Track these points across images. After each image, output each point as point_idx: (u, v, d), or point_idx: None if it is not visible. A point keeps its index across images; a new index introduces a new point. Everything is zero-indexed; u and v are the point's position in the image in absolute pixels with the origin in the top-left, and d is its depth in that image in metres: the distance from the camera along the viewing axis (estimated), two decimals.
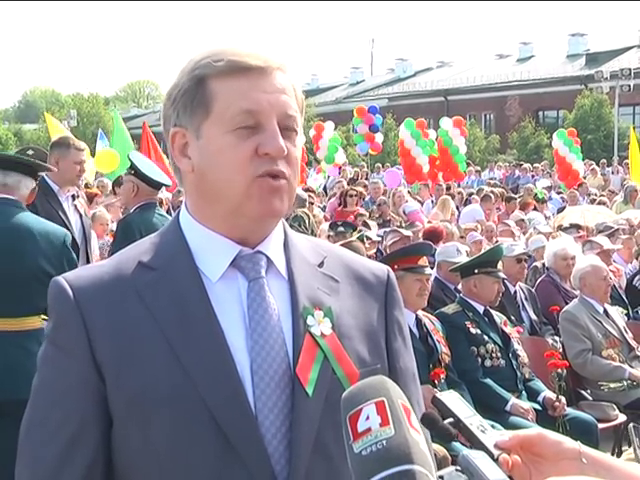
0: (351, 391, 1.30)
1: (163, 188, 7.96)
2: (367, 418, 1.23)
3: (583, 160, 26.22)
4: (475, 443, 1.42)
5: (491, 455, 1.40)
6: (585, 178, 24.20)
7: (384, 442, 1.20)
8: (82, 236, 6.85)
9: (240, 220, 1.69)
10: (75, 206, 6.87)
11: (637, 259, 9.56)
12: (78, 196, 6.99)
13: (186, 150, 1.71)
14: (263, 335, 1.66)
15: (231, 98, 1.65)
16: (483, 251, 7.66)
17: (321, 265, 1.81)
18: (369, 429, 1.22)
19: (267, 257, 1.74)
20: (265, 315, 1.68)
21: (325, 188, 22.65)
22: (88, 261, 6.85)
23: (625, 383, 6.76)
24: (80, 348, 1.63)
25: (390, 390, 1.28)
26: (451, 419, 1.45)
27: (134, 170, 6.50)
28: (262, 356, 1.64)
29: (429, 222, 12.55)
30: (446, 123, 24.89)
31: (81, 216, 6.90)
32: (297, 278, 1.75)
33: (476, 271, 6.46)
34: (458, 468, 1.42)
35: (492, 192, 16.48)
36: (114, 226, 10.77)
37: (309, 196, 13.67)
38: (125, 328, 1.63)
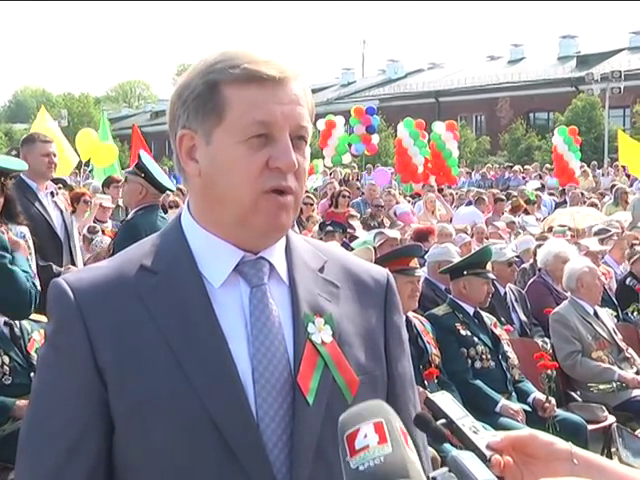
0: (349, 413, 1.31)
1: None
2: (365, 436, 1.25)
3: (581, 160, 26.40)
4: (467, 444, 1.43)
5: (483, 456, 1.40)
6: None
7: (382, 458, 1.22)
8: (64, 232, 6.85)
9: (245, 231, 1.68)
10: (55, 202, 6.87)
11: (629, 261, 9.57)
12: (57, 193, 6.99)
13: (194, 153, 1.68)
14: (265, 343, 1.65)
15: (245, 107, 1.62)
16: (472, 252, 7.66)
17: (322, 270, 1.80)
18: (367, 446, 1.23)
19: (270, 263, 1.73)
20: (267, 322, 1.67)
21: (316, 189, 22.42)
22: (72, 256, 6.86)
23: (614, 385, 6.78)
24: (81, 352, 1.61)
25: (389, 413, 1.29)
26: (443, 420, 1.45)
27: (144, 173, 6.45)
28: (264, 364, 1.64)
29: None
30: (439, 127, 24.89)
31: (62, 212, 6.90)
32: (298, 284, 1.74)
33: (465, 272, 6.46)
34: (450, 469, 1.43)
35: (489, 194, 16.52)
36: (109, 225, 10.74)
37: (307, 197, 13.59)
38: (127, 333, 1.62)
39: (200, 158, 1.67)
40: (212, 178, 1.66)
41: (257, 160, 1.62)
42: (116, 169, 17.15)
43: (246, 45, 1.69)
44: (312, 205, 13.64)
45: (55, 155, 6.89)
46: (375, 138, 25.85)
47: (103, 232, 9.95)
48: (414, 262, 6.01)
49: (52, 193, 6.87)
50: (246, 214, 1.64)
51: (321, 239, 9.47)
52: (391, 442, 1.23)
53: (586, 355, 6.94)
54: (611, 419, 6.48)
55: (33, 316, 5.24)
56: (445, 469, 1.39)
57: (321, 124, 25.31)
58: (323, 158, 26.40)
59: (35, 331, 5.24)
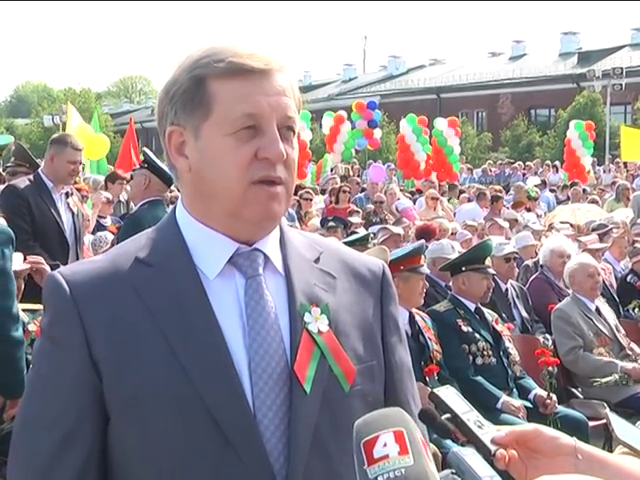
0: (366, 418, 1.27)
1: None
2: (384, 445, 1.21)
3: (593, 156, 26.47)
4: (472, 439, 1.42)
5: (488, 451, 1.40)
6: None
7: (403, 470, 1.18)
8: (73, 234, 6.81)
9: (237, 223, 1.69)
10: (68, 204, 6.83)
11: (630, 258, 9.56)
12: (72, 194, 6.95)
13: (183, 149, 1.70)
14: (261, 333, 1.66)
15: (232, 101, 1.64)
16: (470, 248, 7.66)
17: (317, 261, 1.80)
18: (386, 456, 1.20)
19: (264, 254, 1.73)
20: (263, 313, 1.67)
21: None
22: (78, 259, 6.81)
23: (616, 376, 6.74)
24: (77, 344, 1.62)
25: (409, 422, 1.26)
26: (448, 415, 1.45)
27: (148, 164, 6.48)
28: (260, 354, 1.64)
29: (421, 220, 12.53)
30: (441, 123, 24.84)
31: (74, 214, 6.86)
32: (294, 275, 1.74)
33: (464, 268, 6.46)
34: (454, 471, 1.42)
35: (491, 190, 16.51)
36: (108, 221, 10.73)
37: (306, 192, 13.57)
38: (122, 325, 1.62)
39: (190, 153, 1.69)
40: (202, 172, 1.67)
41: (246, 151, 1.64)
42: (105, 163, 17.12)
43: (231, 40, 1.71)
44: (311, 201, 13.65)
45: (81, 163, 6.90)
46: (377, 132, 25.78)
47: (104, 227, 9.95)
48: (422, 260, 6.05)
49: (67, 194, 6.83)
50: (237, 206, 1.65)
51: (322, 235, 9.46)
52: (413, 454, 1.20)
53: (587, 351, 6.94)
54: None
55: (30, 306, 5.22)
56: (449, 471, 1.38)
57: (328, 121, 25.19)
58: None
59: (31, 322, 5.22)
